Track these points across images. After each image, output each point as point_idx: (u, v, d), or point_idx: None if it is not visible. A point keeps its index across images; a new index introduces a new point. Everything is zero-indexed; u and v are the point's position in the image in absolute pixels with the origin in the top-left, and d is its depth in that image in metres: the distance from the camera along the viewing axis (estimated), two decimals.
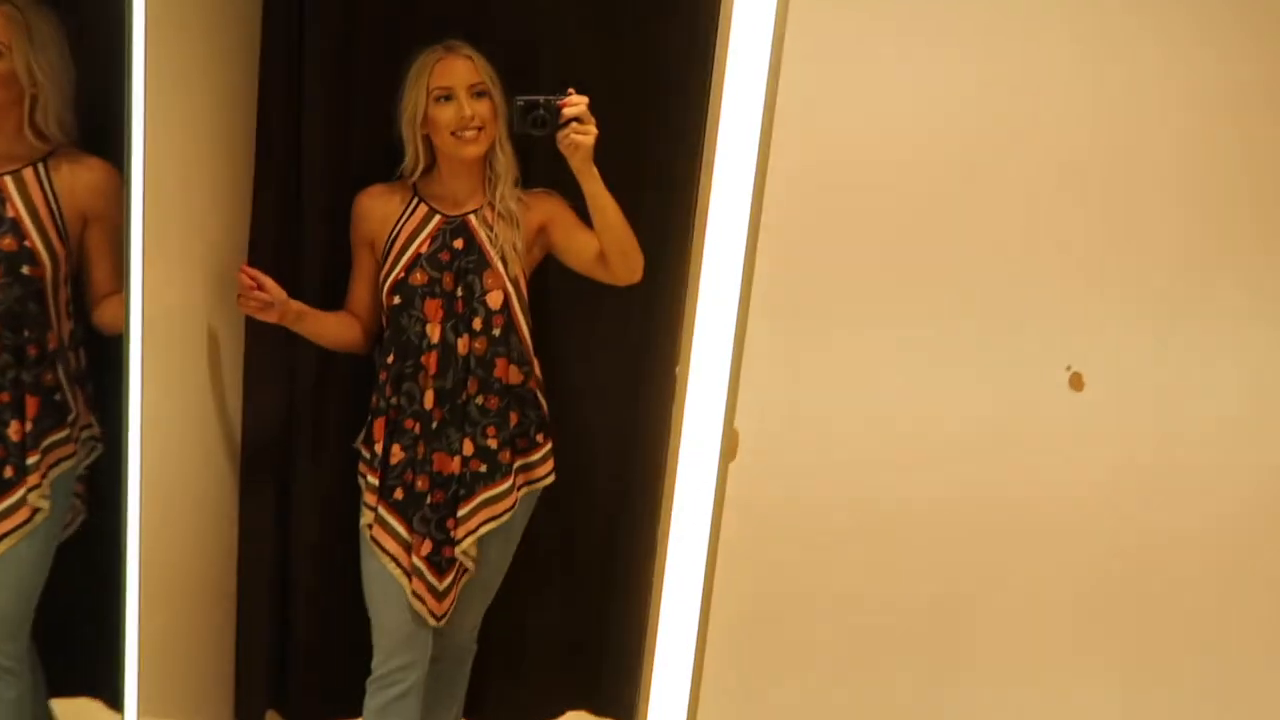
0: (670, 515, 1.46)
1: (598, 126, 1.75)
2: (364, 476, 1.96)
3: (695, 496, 1.45)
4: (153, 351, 1.68)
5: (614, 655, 2.26)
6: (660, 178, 1.96)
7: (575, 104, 1.74)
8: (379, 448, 1.91)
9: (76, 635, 2.03)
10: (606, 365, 2.14)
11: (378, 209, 1.92)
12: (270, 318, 1.84)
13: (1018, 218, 1.51)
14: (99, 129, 1.79)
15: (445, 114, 1.82)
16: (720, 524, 1.44)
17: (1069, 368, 1.52)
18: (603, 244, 1.88)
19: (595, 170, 1.79)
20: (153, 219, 1.62)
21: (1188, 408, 1.59)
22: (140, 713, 1.77)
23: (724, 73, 1.31)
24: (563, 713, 2.36)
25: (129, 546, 1.70)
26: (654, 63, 1.96)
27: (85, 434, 1.88)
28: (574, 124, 1.74)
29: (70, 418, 1.83)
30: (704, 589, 1.46)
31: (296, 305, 1.87)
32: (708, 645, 1.51)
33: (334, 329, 1.96)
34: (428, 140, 1.88)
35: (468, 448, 1.90)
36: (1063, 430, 1.56)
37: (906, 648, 1.66)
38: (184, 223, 1.77)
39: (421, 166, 1.89)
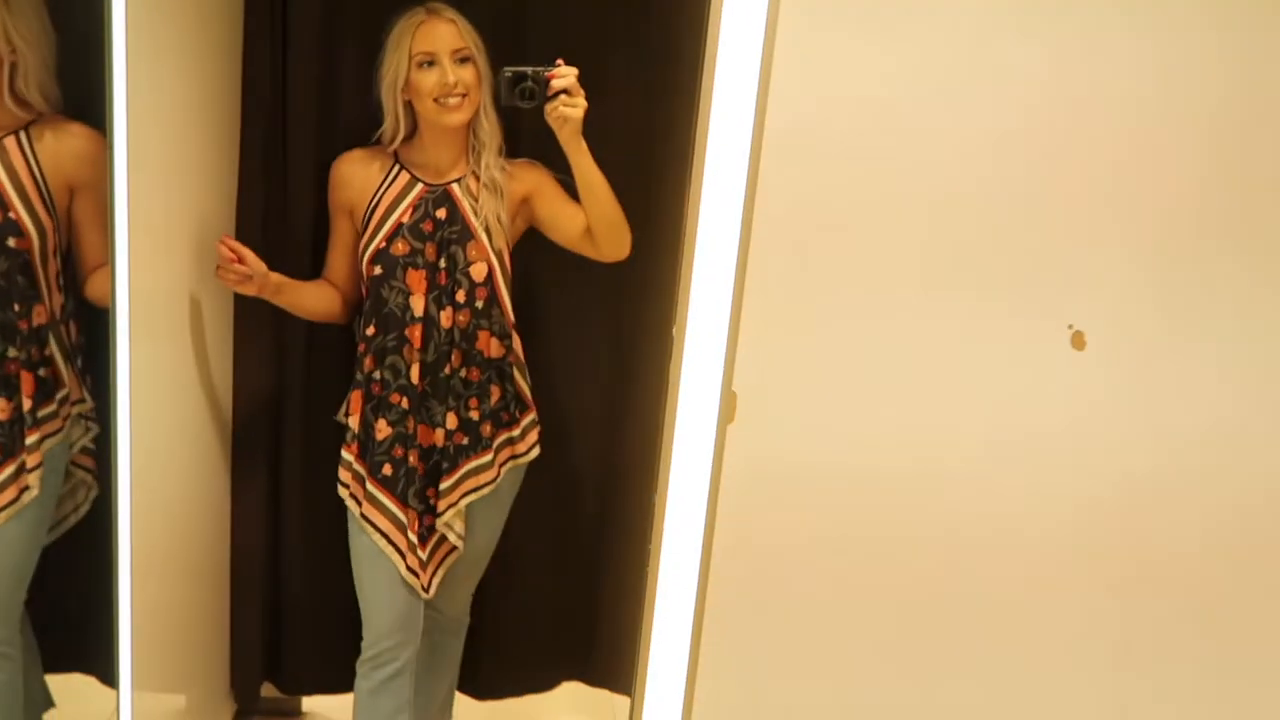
0: (668, 480, 1.46)
1: (587, 98, 1.74)
2: (341, 452, 1.94)
3: (693, 460, 1.45)
4: (141, 326, 1.66)
5: (609, 627, 2.27)
6: (650, 150, 1.96)
7: (564, 76, 1.72)
8: (354, 420, 1.89)
9: (69, 611, 2.01)
10: (595, 337, 2.14)
11: (357, 175, 1.89)
12: (249, 290, 1.81)
13: (1022, 182, 1.51)
14: (80, 100, 1.75)
15: (427, 80, 1.78)
16: (719, 488, 1.44)
17: (1071, 326, 1.52)
18: (590, 219, 1.86)
19: (584, 144, 1.78)
20: (137, 192, 1.60)
21: (1196, 388, 1.59)
22: (135, 688, 1.76)
23: (717, 39, 1.31)
24: (557, 685, 2.37)
25: (120, 522, 1.69)
26: (645, 29, 1.94)
27: (75, 409, 1.85)
28: (562, 96, 1.72)
29: (61, 394, 1.81)
30: (703, 556, 1.46)
31: (276, 277, 1.84)
32: (705, 613, 1.51)
33: (313, 300, 1.93)
34: (409, 106, 1.84)
35: (451, 421, 1.88)
36: (1067, 395, 1.56)
37: (908, 615, 1.66)
38: (169, 195, 1.75)
39: (402, 133, 1.85)
